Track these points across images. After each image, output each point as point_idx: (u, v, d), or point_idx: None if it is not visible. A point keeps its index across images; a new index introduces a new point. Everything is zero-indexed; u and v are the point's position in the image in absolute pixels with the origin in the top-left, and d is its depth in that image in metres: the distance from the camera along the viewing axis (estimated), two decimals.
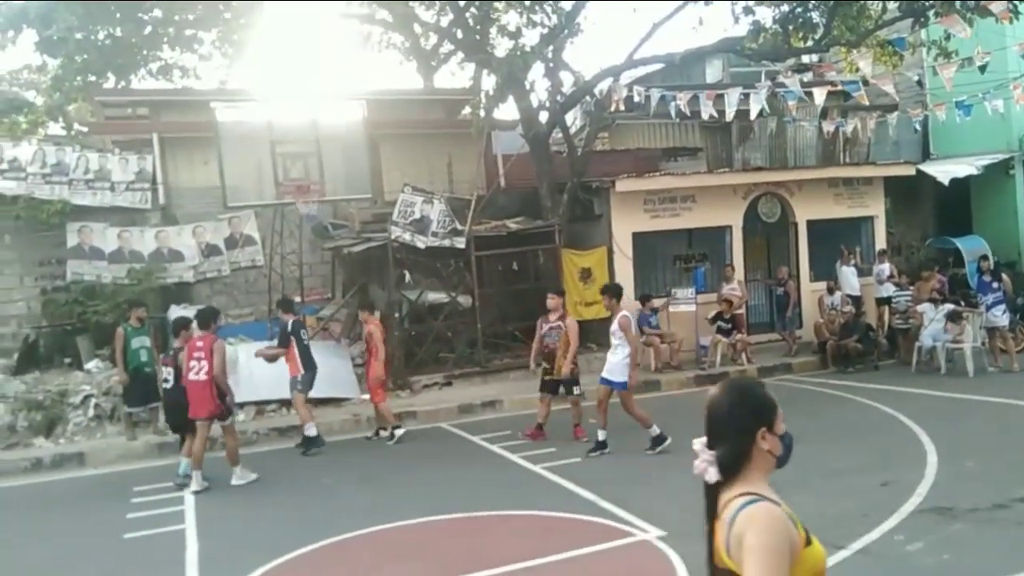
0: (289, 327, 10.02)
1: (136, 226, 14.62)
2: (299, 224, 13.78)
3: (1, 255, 14.50)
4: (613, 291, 9.47)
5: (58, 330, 13.86)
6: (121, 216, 14.60)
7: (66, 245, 14.27)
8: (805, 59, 18.25)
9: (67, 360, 13.49)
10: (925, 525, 6.13)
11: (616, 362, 8.98)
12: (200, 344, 8.44)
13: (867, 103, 14.89)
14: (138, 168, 14.73)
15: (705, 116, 14.18)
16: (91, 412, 11.41)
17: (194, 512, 7.75)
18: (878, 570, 5.35)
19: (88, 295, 13.79)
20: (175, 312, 12.40)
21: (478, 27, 15.36)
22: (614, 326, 9.05)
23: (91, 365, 12.77)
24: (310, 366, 10.10)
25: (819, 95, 14.08)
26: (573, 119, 17.25)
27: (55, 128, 20.98)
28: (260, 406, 11.88)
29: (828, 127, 16.95)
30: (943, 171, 17.55)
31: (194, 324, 8.80)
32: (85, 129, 17.97)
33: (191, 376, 8.39)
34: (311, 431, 9.89)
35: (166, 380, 8.93)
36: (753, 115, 14.01)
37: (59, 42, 14.24)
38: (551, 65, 15.04)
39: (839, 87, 14.45)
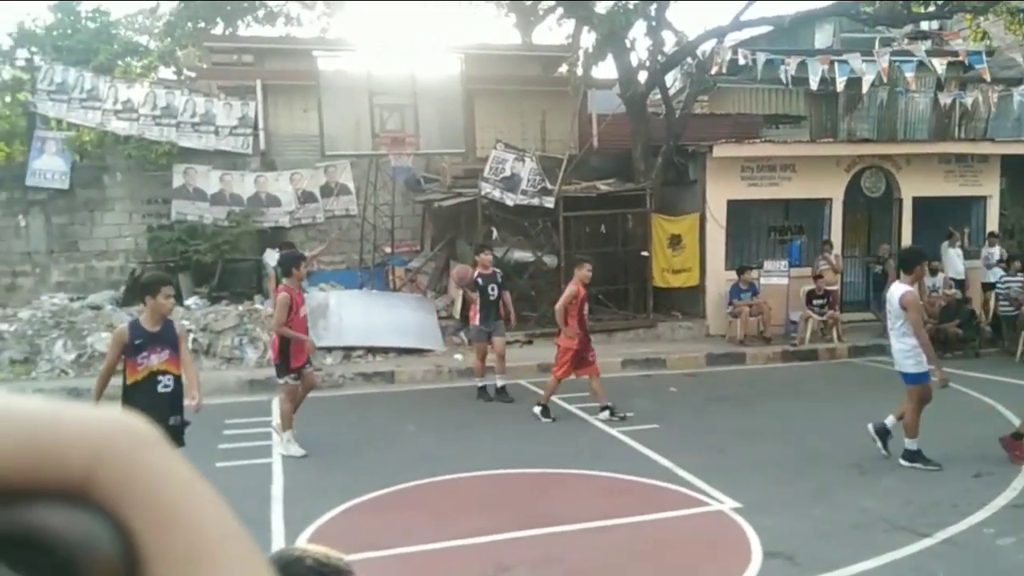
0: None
1: (237, 170, 15.14)
2: (392, 176, 13.96)
3: (113, 192, 15.24)
4: (911, 258, 7.51)
5: (161, 266, 14.52)
6: (223, 159, 15.12)
7: (172, 185, 14.90)
8: (924, 26, 17.25)
9: None
10: (1018, 520, 5.86)
11: (904, 349, 7.21)
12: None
13: (988, 76, 14.02)
14: (241, 114, 15.19)
15: (814, 84, 13.64)
16: (189, 346, 11.92)
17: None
18: (964, 561, 5.17)
19: (190, 234, 14.39)
20: (269, 255, 12.82)
21: None
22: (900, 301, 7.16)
23: (191, 301, 13.36)
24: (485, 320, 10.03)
25: (939, 65, 13.34)
26: (672, 80, 16.82)
27: (165, 72, 21.82)
28: (347, 351, 12.22)
29: (945, 99, 16.05)
30: None
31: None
32: (193, 74, 18.59)
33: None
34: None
35: None
36: (867, 86, 13.42)
37: None
38: (653, 24, 14.66)
39: (962, 58, 13.65)
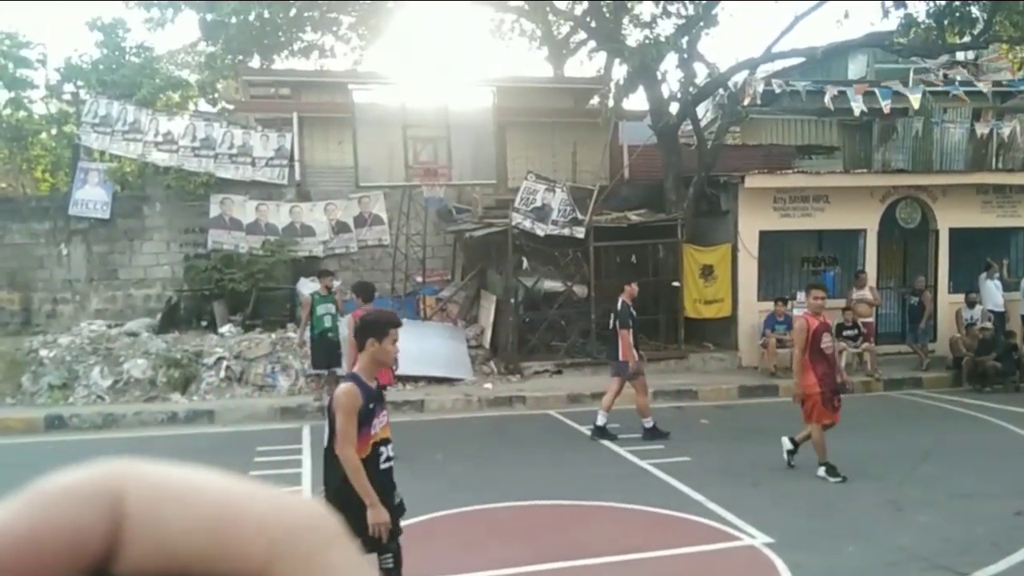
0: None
1: (273, 200, 15.37)
2: (425, 206, 14.11)
3: (152, 221, 15.55)
4: None
5: (197, 294, 14.75)
6: (260, 190, 15.37)
7: (209, 215, 15.16)
8: (959, 56, 17.15)
9: (203, 323, 14.35)
10: None
11: None
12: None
13: None
14: (277, 145, 15.45)
15: (858, 111, 13.65)
16: (222, 373, 12.11)
17: (310, 474, 8.11)
18: None
19: (226, 263, 14.61)
20: (304, 284, 12.97)
21: (612, 16, 15.24)
22: None
23: (225, 329, 13.53)
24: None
25: (984, 87, 13.38)
26: (704, 111, 16.86)
27: (204, 105, 22.32)
28: None
29: (982, 129, 15.88)
30: None
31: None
32: (231, 107, 19.00)
33: None
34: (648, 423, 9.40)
35: None
36: (916, 103, 13.45)
37: (219, 25, 15.17)
38: (685, 56, 14.73)
39: (1011, 75, 13.64)
